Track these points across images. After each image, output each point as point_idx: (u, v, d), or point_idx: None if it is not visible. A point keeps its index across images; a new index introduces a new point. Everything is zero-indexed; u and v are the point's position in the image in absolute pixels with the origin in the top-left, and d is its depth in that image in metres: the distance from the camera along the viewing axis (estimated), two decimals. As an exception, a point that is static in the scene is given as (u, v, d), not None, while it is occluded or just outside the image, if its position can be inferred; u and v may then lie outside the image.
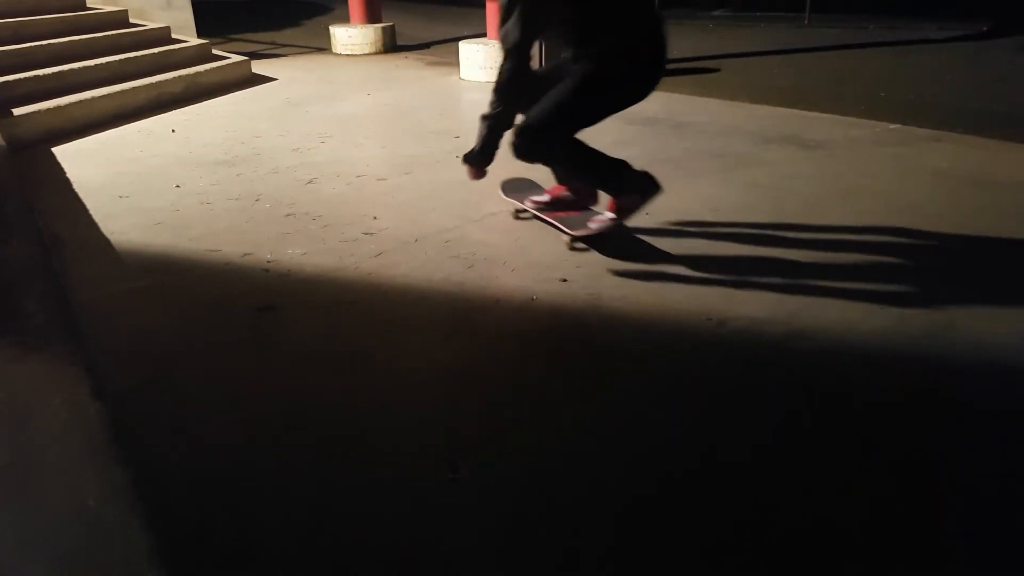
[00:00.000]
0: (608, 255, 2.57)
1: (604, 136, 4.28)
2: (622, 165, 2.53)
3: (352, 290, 2.43)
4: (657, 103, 5.25)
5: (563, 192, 2.87)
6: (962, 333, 2.06)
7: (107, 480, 1.48)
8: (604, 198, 2.72)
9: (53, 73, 4.89)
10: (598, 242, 2.64)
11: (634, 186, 2.56)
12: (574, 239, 2.65)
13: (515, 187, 3.05)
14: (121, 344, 2.12)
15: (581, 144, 2.47)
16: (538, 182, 3.07)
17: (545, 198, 2.89)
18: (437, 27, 10.46)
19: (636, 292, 2.35)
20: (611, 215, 2.63)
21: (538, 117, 2.38)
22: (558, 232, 2.78)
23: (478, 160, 2.61)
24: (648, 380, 1.90)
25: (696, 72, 6.63)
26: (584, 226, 2.65)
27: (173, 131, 4.63)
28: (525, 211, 2.94)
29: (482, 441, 1.67)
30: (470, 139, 4.45)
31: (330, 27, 8.61)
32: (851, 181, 3.41)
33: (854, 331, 2.08)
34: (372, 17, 8.56)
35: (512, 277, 2.48)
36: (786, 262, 2.54)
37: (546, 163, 2.70)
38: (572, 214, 2.78)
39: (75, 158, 4.01)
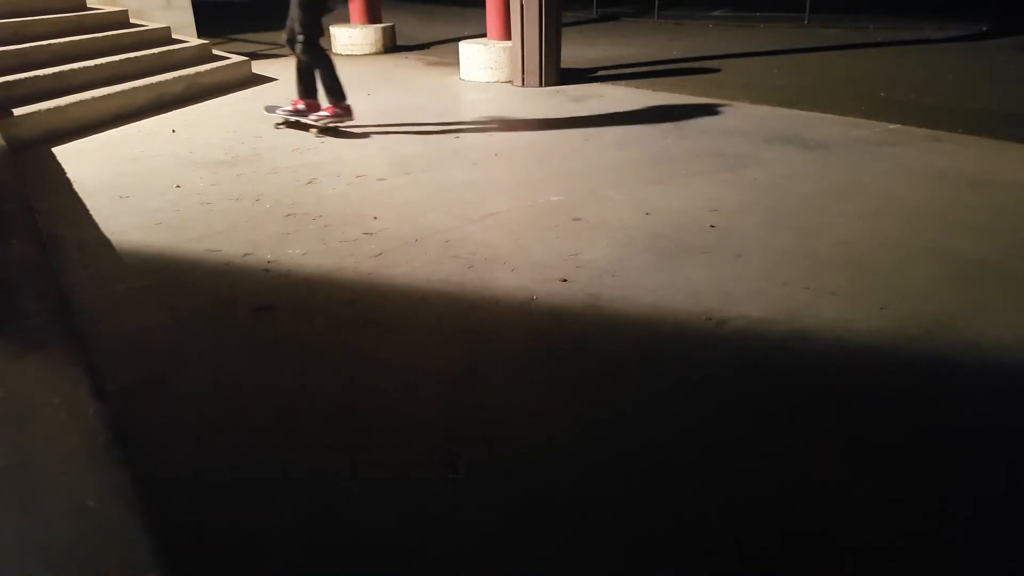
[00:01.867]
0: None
1: (606, 136, 4.31)
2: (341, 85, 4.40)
3: (352, 290, 2.43)
4: (657, 103, 5.26)
5: (300, 103, 4.54)
6: (962, 333, 2.06)
7: (107, 480, 1.48)
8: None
9: (53, 73, 4.89)
10: (330, 132, 4.46)
11: (343, 101, 4.41)
12: (318, 130, 4.47)
13: (271, 108, 4.76)
14: (121, 344, 2.12)
15: (331, 61, 4.36)
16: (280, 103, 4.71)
17: (289, 107, 4.57)
18: (437, 27, 10.46)
19: (636, 292, 2.35)
20: (328, 114, 4.43)
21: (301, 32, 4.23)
22: (555, 231, 2.82)
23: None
24: (648, 380, 1.90)
25: (696, 72, 6.63)
26: (317, 120, 4.44)
27: (173, 131, 4.63)
28: (281, 121, 4.66)
29: (482, 441, 1.67)
30: (470, 139, 4.46)
31: (330, 27, 8.61)
32: (851, 181, 3.41)
33: (854, 331, 2.08)
34: (372, 17, 8.56)
35: (512, 277, 2.48)
36: (785, 262, 2.54)
37: (312, 64, 4.34)
38: (310, 115, 4.50)
39: (75, 158, 4.01)
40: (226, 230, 2.95)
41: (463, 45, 6.48)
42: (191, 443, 1.67)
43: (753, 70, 6.65)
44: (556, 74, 6.06)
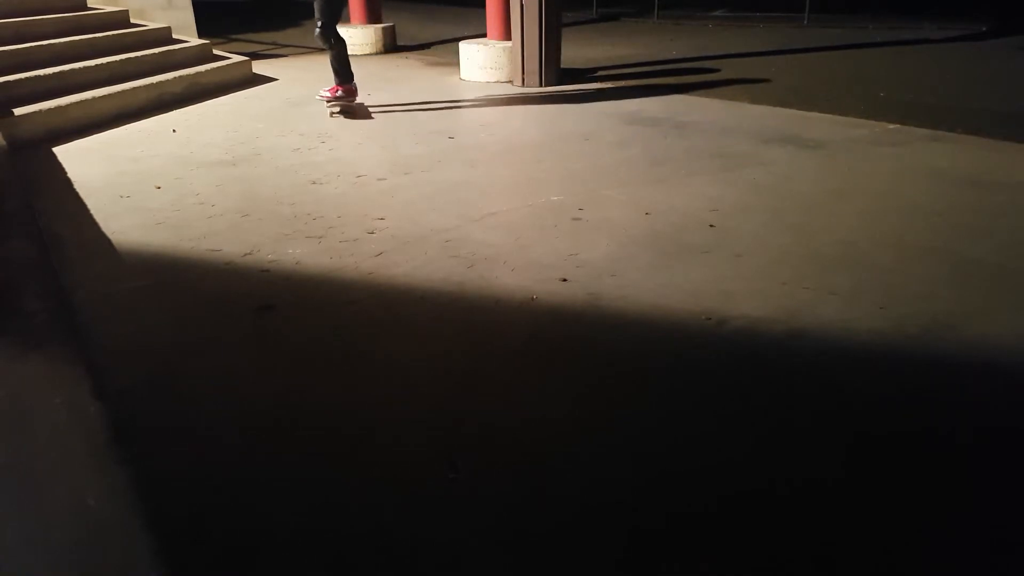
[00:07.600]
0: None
1: (605, 135, 4.31)
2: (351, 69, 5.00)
3: (352, 290, 2.43)
4: (657, 103, 5.27)
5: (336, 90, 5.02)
6: (962, 333, 2.06)
7: (107, 480, 1.48)
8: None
9: (54, 73, 4.89)
10: (345, 113, 5.03)
11: (350, 83, 5.01)
12: (331, 112, 5.04)
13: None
14: (121, 343, 2.12)
15: (344, 45, 4.91)
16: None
17: (327, 94, 5.03)
18: (437, 27, 10.46)
19: (636, 292, 2.35)
20: (337, 95, 5.00)
21: (320, 19, 4.72)
22: (555, 230, 2.84)
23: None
24: (647, 380, 1.90)
25: (696, 72, 6.63)
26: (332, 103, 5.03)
27: (174, 131, 4.63)
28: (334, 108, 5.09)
29: (482, 441, 1.67)
30: (469, 139, 4.46)
31: (330, 27, 8.60)
32: (850, 181, 3.41)
33: (854, 331, 2.08)
34: (372, 17, 8.56)
35: (512, 277, 2.49)
36: (785, 262, 2.54)
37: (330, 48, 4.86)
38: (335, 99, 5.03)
39: (76, 158, 4.01)
40: (226, 230, 2.95)
41: (463, 45, 6.48)
42: (191, 443, 1.67)
43: (753, 70, 6.65)
44: (556, 74, 6.06)
